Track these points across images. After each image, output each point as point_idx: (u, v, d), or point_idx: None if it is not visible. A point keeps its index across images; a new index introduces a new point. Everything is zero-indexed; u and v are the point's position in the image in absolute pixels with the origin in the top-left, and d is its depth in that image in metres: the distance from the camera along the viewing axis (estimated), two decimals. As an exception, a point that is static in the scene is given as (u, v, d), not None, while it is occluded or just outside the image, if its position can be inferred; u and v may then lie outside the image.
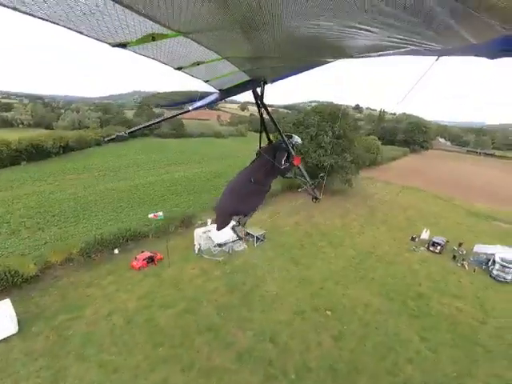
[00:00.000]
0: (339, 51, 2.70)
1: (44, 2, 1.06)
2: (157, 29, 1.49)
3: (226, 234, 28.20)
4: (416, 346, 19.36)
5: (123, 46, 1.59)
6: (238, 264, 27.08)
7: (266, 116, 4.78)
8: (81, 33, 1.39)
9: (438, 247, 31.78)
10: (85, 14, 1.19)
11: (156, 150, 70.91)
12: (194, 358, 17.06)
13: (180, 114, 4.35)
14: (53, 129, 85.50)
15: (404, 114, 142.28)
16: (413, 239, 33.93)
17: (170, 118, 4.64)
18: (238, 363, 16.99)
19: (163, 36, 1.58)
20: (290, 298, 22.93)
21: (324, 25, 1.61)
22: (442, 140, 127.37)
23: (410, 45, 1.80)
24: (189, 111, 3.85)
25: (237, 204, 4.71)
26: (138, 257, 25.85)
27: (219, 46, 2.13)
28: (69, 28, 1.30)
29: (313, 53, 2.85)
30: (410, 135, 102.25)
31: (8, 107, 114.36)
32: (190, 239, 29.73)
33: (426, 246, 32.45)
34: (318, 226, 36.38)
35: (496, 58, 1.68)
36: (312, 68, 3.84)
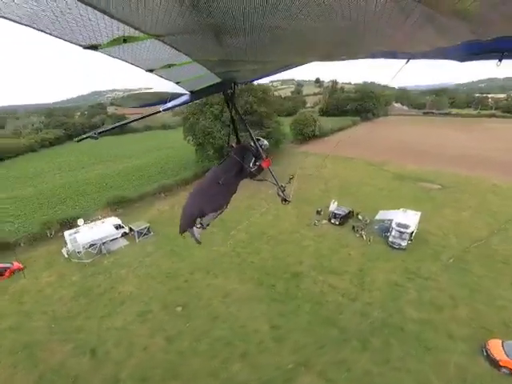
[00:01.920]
0: (310, 55, 2.94)
1: (12, 1, 1.03)
2: (128, 31, 1.46)
3: (96, 234, 25.43)
4: (261, 336, 17.01)
5: (95, 48, 1.58)
6: (105, 264, 24.28)
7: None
8: (51, 35, 1.35)
9: (338, 219, 29.45)
10: (56, 16, 1.18)
11: (92, 149, 66.74)
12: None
13: (150, 114, 4.29)
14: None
15: (364, 83, 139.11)
16: (318, 213, 31.43)
17: (139, 118, 4.47)
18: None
19: (135, 38, 1.57)
20: (144, 297, 20.31)
21: (296, 29, 1.62)
22: (397, 105, 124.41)
23: (381, 49, 2.02)
24: (159, 112, 3.89)
25: (203, 205, 4.53)
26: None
27: (191, 49, 2.11)
28: (40, 30, 1.29)
29: (283, 56, 2.87)
30: (360, 103, 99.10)
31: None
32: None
33: (328, 218, 30.07)
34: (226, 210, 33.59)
35: (465, 61, 1.95)
36: (282, 70, 4.08)
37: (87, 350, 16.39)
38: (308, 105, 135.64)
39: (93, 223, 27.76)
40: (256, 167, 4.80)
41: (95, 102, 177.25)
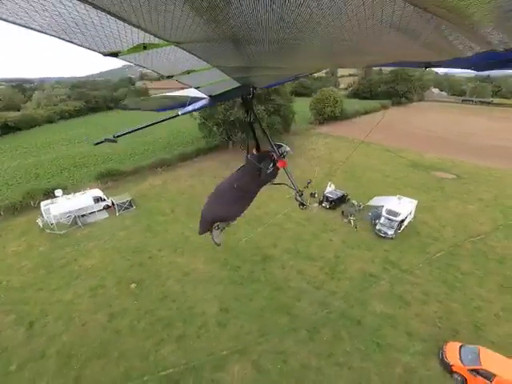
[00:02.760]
0: (329, 63, 3.26)
1: (36, 13, 1.07)
2: (148, 38, 1.48)
3: (71, 205, 25.48)
4: (205, 319, 16.16)
5: (115, 55, 1.60)
6: (77, 237, 24.26)
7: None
8: (73, 43, 1.38)
9: (329, 203, 27.47)
10: (77, 24, 1.20)
11: (110, 122, 67.81)
12: None
13: (169, 118, 4.12)
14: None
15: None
16: (312, 195, 29.57)
17: (159, 122, 4.24)
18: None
19: (154, 45, 1.58)
20: (102, 272, 20.04)
21: (314, 40, 1.64)
22: (435, 90, 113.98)
23: (399, 59, 2.01)
24: (177, 116, 3.85)
25: (219, 210, 4.60)
26: None
27: (210, 56, 2.11)
28: (62, 38, 1.31)
29: (302, 64, 2.88)
30: (392, 85, 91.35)
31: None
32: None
33: (319, 201, 28.16)
34: (209, 188, 32.56)
35: (482, 70, 1.94)
36: (301, 77, 4.43)
37: (26, 322, 16.12)
38: (341, 86, 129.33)
39: (71, 194, 27.66)
40: (272, 169, 4.63)
41: (125, 75, 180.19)
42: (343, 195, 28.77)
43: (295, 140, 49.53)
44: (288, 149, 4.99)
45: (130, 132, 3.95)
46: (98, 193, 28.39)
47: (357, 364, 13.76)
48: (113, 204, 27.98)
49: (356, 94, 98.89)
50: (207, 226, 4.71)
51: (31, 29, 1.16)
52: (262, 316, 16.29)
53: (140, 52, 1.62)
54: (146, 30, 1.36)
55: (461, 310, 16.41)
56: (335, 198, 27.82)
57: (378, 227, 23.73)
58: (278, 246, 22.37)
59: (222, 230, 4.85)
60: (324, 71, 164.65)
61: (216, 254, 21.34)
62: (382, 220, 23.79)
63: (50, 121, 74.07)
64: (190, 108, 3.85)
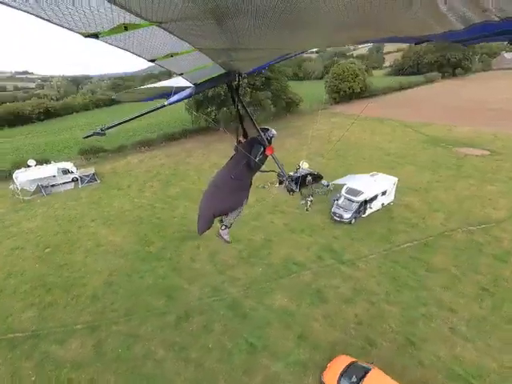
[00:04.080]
0: (318, 41, 2.80)
1: None
2: (129, 18, 1.39)
3: (37, 174, 26.31)
4: (84, 290, 14.83)
5: (95, 36, 1.51)
6: (36, 203, 24.92)
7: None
8: (50, 21, 1.28)
9: (291, 182, 23.50)
10: (56, 1, 1.13)
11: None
12: None
13: (155, 109, 4.11)
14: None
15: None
16: (279, 175, 25.91)
17: (144, 114, 4.24)
18: None
19: (136, 26, 1.50)
20: (31, 235, 20.06)
21: (303, 13, 1.54)
22: (508, 55, 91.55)
23: (389, 34, 1.85)
24: (164, 106, 3.76)
25: (219, 203, 4.46)
26: None
27: (193, 37, 2.01)
28: (39, 16, 1.21)
29: (291, 43, 2.70)
30: (441, 53, 74.72)
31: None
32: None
33: (279, 181, 24.42)
34: (185, 166, 31.02)
35: (473, 43, 1.81)
36: (289, 57, 3.97)
37: None
38: (386, 64, 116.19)
39: (44, 165, 28.66)
40: (260, 157, 4.50)
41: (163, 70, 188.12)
42: (312, 174, 24.43)
43: (297, 120, 45.01)
44: (274, 132, 4.79)
45: (118, 124, 3.86)
46: (66, 165, 28.75)
47: (209, 364, 10.77)
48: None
49: (400, 71, 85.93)
50: (208, 222, 4.46)
51: (5, 4, 1.05)
52: (140, 295, 14.06)
53: (121, 33, 1.53)
54: (126, 9, 1.26)
55: (396, 317, 12.00)
56: (296, 177, 23.72)
57: (332, 209, 19.34)
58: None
59: (229, 228, 4.68)
60: (366, 48, 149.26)
61: (139, 230, 19.55)
62: (341, 201, 19.34)
63: (86, 108, 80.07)
64: (175, 98, 3.67)
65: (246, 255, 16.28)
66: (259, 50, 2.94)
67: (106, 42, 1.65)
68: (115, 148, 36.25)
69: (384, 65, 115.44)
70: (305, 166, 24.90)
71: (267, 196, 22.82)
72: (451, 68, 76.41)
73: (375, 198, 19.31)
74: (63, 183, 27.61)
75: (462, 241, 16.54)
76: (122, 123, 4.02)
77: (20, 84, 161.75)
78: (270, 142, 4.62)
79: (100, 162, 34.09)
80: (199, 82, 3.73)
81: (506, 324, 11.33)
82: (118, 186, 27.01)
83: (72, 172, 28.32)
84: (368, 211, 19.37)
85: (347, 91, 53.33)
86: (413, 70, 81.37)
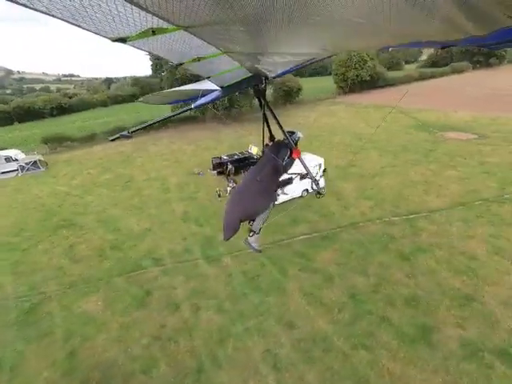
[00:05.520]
0: (343, 45, 2.74)
1: None
2: (157, 23, 1.42)
3: None
4: None
5: (123, 40, 1.55)
6: None
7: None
8: (80, 27, 1.35)
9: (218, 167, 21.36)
10: (84, 7, 1.17)
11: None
12: None
13: (182, 111, 4.31)
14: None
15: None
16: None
17: (172, 116, 4.44)
18: None
19: (163, 30, 1.52)
20: None
21: (329, 19, 1.54)
22: None
23: (415, 39, 1.79)
24: (191, 109, 3.90)
25: (245, 206, 4.37)
26: None
27: (220, 41, 2.06)
28: (68, 22, 1.27)
29: (317, 47, 2.74)
30: None
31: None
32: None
33: (212, 166, 22.25)
34: (140, 153, 29.87)
35: (500, 48, 1.70)
36: (315, 61, 3.90)
37: None
38: (424, 57, 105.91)
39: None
40: (288, 161, 4.49)
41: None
42: (245, 158, 21.89)
43: (295, 109, 42.04)
44: (300, 134, 4.75)
45: (144, 127, 3.79)
46: (10, 153, 28.65)
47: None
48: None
49: (434, 63, 77.86)
50: (235, 227, 4.28)
51: (35, 10, 1.10)
52: None
53: (149, 37, 1.54)
54: (154, 14, 1.28)
55: (206, 331, 9.22)
56: (225, 161, 21.33)
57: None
58: (100, 214, 17.75)
59: (257, 234, 4.57)
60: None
61: (27, 216, 18.06)
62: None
63: (104, 105, 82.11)
64: (202, 101, 3.78)
65: (111, 247, 14.18)
66: (286, 55, 2.94)
67: (133, 46, 1.69)
68: (84, 137, 36.09)
69: (421, 58, 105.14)
70: (254, 151, 22.55)
71: (190, 181, 20.85)
72: (483, 57, 67.17)
73: (289, 182, 16.33)
74: (9, 171, 27.55)
75: (371, 233, 13.24)
76: (148, 126, 3.89)
77: (64, 86, 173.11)
78: (295, 145, 4.51)
79: (65, 150, 34.12)
80: (226, 85, 3.69)
81: (351, 350, 8.29)
82: (56, 173, 26.38)
83: (16, 160, 28.18)
84: (281, 198, 16.47)
85: (355, 80, 48.51)
86: (446, 61, 73.58)
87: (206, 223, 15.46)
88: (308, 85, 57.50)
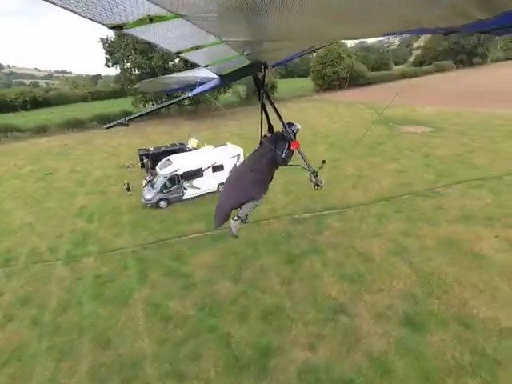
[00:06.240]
0: (346, 33, 2.68)
1: None
2: (154, 10, 1.37)
3: None
4: None
5: (120, 27, 1.49)
6: None
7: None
8: (76, 13, 1.28)
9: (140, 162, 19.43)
10: None
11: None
12: None
13: (179, 100, 3.98)
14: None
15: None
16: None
17: (169, 104, 4.18)
18: None
19: (161, 18, 1.47)
20: None
21: (329, 5, 1.49)
22: None
23: (419, 25, 1.78)
24: (189, 97, 3.72)
25: (238, 195, 4.24)
26: None
27: (219, 29, 1.97)
28: (64, 7, 1.21)
29: (319, 35, 2.62)
30: (455, 39, 64.02)
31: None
32: None
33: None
34: (82, 146, 27.98)
35: (504, 34, 1.68)
36: (316, 49, 4.02)
37: None
38: (412, 58, 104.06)
39: None
40: (287, 153, 4.32)
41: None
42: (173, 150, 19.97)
43: (267, 106, 39.89)
44: (299, 126, 4.56)
45: (141, 115, 3.79)
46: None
47: None
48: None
49: (422, 63, 76.24)
50: (225, 216, 4.27)
51: None
52: None
53: (146, 25, 1.50)
54: (151, 1, 1.23)
55: None
56: (151, 153, 19.38)
57: (143, 193, 14.82)
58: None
59: (244, 222, 4.55)
60: (397, 43, 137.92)
61: None
62: (159, 180, 14.74)
63: (84, 100, 79.60)
64: (199, 89, 3.63)
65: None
66: (286, 41, 2.84)
67: (131, 34, 1.63)
68: (34, 128, 34.12)
69: (410, 59, 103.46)
70: (193, 144, 20.70)
71: (112, 175, 18.96)
72: (466, 56, 65.36)
73: (197, 174, 14.47)
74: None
75: (270, 232, 11.40)
76: (145, 114, 3.91)
77: (54, 81, 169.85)
78: (294, 136, 4.42)
79: (9, 141, 32.08)
80: (224, 73, 3.65)
81: (158, 380, 6.39)
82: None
83: None
84: (190, 192, 14.61)
85: (332, 76, 46.63)
86: (433, 61, 71.49)
87: (97, 219, 13.57)
88: (289, 85, 56.02)
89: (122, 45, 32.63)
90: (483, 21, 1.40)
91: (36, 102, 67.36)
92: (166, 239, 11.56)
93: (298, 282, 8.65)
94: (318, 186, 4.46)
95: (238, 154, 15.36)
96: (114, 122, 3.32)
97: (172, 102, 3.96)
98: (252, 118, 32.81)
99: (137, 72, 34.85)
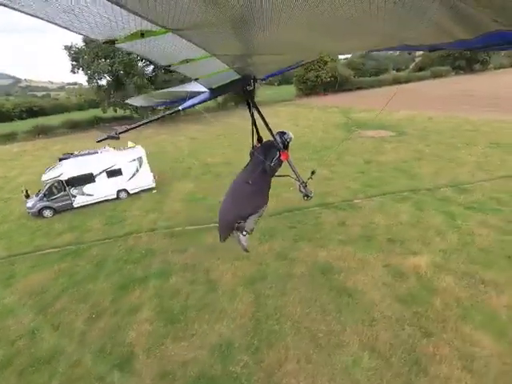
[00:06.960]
0: (332, 48, 2.84)
1: None
2: (145, 25, 1.39)
3: None
4: None
5: (112, 42, 1.52)
6: None
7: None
8: (68, 29, 1.29)
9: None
10: (73, 10, 1.14)
11: None
12: None
13: (170, 113, 4.04)
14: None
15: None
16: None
17: (159, 117, 4.19)
18: None
19: (152, 33, 1.50)
20: None
21: (317, 21, 1.53)
22: None
23: (404, 42, 1.81)
24: (179, 111, 3.79)
25: (238, 208, 4.19)
26: None
27: (209, 44, 1.96)
28: (57, 24, 1.23)
29: (306, 49, 2.74)
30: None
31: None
32: None
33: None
34: (36, 152, 27.09)
35: (487, 50, 2.00)
36: (303, 63, 4.02)
37: None
38: (412, 66, 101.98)
39: None
40: (276, 162, 4.22)
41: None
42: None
43: (243, 111, 38.57)
44: (291, 135, 4.47)
45: (132, 128, 3.59)
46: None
47: None
48: None
49: (421, 69, 74.04)
50: (229, 228, 4.20)
51: (24, 12, 1.08)
52: None
53: (137, 40, 1.52)
54: (142, 16, 1.26)
55: None
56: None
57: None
58: None
59: (250, 234, 4.24)
60: (398, 51, 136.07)
61: None
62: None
63: (80, 108, 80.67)
64: (189, 103, 3.64)
65: None
66: (274, 56, 2.91)
67: (123, 49, 1.67)
68: (2, 134, 33.68)
69: (412, 66, 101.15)
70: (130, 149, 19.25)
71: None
72: (466, 61, 62.59)
73: (88, 179, 12.77)
74: None
75: (129, 248, 9.56)
76: (136, 127, 3.72)
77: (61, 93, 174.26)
78: (287, 146, 4.36)
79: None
80: (214, 86, 3.67)
81: None
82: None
83: None
84: (81, 200, 12.88)
85: (315, 81, 45.00)
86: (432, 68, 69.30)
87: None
88: (274, 91, 54.81)
89: (87, 51, 31.87)
90: (466, 40, 1.45)
91: (32, 112, 68.21)
92: (16, 255, 9.86)
93: (107, 317, 6.72)
94: (307, 196, 4.27)
95: (140, 157, 13.64)
96: (105, 136, 3.26)
97: (163, 115, 4.00)
98: (221, 121, 31.67)
99: (102, 78, 34.08)
